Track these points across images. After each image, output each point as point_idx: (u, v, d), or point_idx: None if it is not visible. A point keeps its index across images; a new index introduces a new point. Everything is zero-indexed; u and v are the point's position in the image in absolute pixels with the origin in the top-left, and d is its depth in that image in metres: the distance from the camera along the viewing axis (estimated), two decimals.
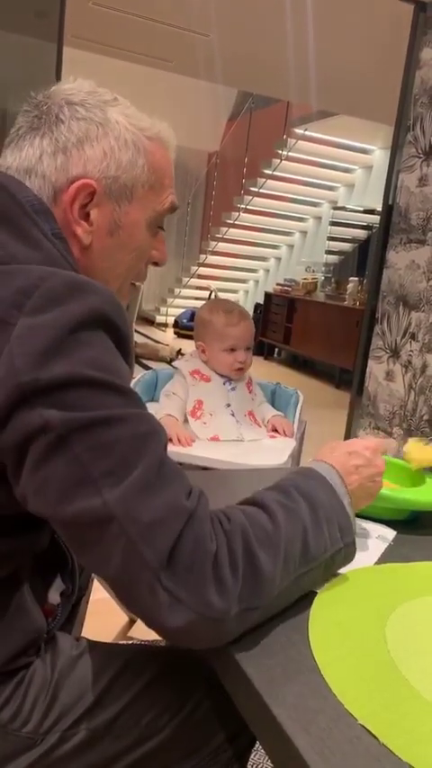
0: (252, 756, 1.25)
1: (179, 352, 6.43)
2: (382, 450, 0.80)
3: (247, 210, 8.68)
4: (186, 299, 9.44)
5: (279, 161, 7.99)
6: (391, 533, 0.92)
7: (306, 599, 0.70)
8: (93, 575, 1.29)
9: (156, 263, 0.82)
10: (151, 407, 1.87)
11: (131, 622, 1.93)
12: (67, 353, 0.56)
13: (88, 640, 0.84)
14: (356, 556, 0.81)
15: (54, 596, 0.83)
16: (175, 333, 8.57)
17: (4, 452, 0.57)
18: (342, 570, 0.77)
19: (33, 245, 0.64)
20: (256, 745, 0.89)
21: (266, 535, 0.60)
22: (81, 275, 0.63)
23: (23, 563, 0.73)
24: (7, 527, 0.67)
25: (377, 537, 0.91)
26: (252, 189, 8.49)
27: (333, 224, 7.99)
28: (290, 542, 0.62)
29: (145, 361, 6.16)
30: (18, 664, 0.72)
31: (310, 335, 6.80)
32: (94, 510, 0.54)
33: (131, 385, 0.63)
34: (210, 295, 8.16)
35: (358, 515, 0.97)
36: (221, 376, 1.85)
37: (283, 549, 0.61)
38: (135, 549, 0.54)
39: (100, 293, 0.60)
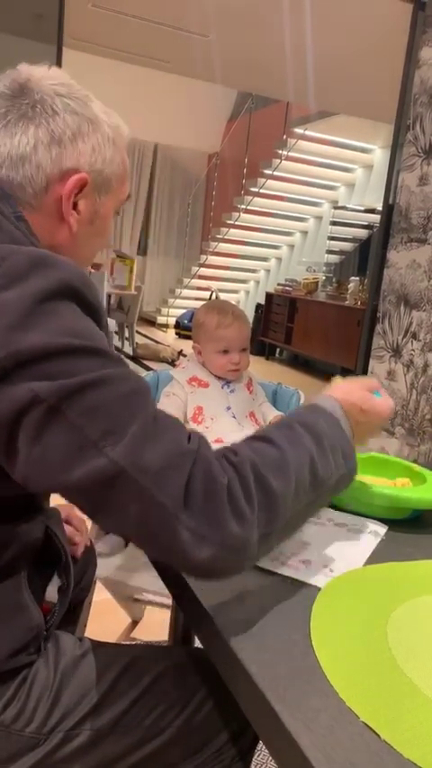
0: (256, 756, 1.25)
1: (180, 353, 6.43)
2: (392, 410, 0.83)
3: (247, 211, 8.68)
4: (187, 300, 9.44)
5: (279, 161, 7.99)
6: (382, 529, 0.93)
7: (308, 596, 0.71)
8: (95, 576, 1.29)
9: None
10: None
11: (134, 623, 1.93)
12: (39, 325, 0.57)
13: (91, 640, 0.84)
14: (350, 552, 0.82)
15: (51, 592, 0.83)
16: (177, 333, 8.57)
17: None
18: (342, 570, 0.77)
19: None
20: (260, 745, 0.89)
21: (275, 462, 0.62)
22: (43, 250, 0.64)
23: (18, 555, 0.73)
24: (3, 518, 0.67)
25: (369, 532, 0.91)
26: (252, 189, 8.49)
27: (333, 223, 7.99)
28: (298, 469, 0.63)
29: (146, 362, 6.16)
30: (19, 662, 0.73)
31: (312, 335, 6.80)
32: (101, 470, 0.54)
33: None
34: (211, 296, 8.16)
35: (353, 512, 0.98)
36: (219, 379, 1.85)
37: (294, 473, 0.62)
38: (150, 496, 0.54)
39: (65, 266, 0.61)
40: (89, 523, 1.30)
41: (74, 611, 1.16)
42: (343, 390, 0.78)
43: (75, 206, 0.74)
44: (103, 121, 0.75)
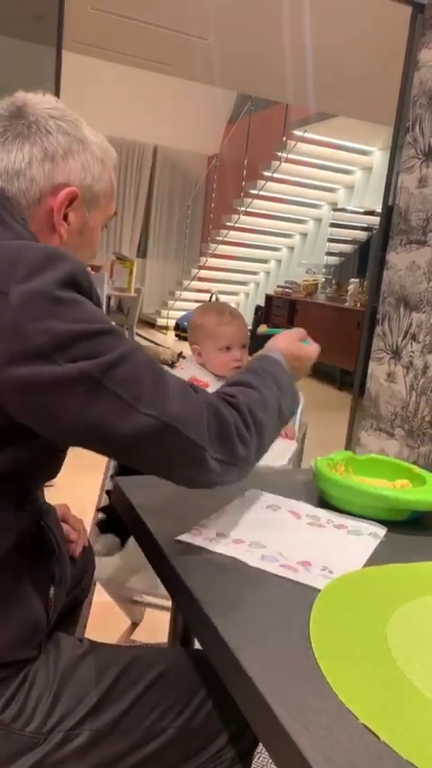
0: (256, 758, 1.25)
1: (180, 355, 6.43)
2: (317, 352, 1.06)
3: (247, 213, 8.68)
4: (187, 302, 9.44)
5: (279, 163, 7.99)
6: (382, 530, 0.93)
7: (308, 598, 0.71)
8: (94, 577, 1.29)
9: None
10: None
11: (134, 625, 1.93)
12: (66, 313, 0.66)
13: (91, 641, 0.84)
14: (349, 553, 0.83)
15: (51, 587, 0.84)
16: (176, 335, 8.58)
17: (28, 409, 0.67)
18: (342, 571, 0.77)
19: (6, 227, 0.73)
20: (260, 747, 0.89)
21: (259, 401, 0.81)
22: (52, 246, 0.74)
23: (13, 546, 0.75)
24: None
25: (369, 534, 0.91)
26: (252, 191, 8.50)
27: (333, 225, 7.99)
28: (272, 404, 0.84)
29: None
30: (20, 655, 0.74)
31: (311, 337, 6.78)
32: (148, 425, 0.68)
33: None
34: (211, 297, 8.16)
35: (353, 514, 0.98)
36: (219, 379, 1.85)
37: (270, 408, 0.83)
38: (188, 439, 0.70)
39: (72, 259, 0.70)
40: (88, 524, 1.30)
41: (73, 611, 1.16)
42: (283, 342, 0.99)
43: (65, 217, 0.81)
44: (92, 142, 0.82)
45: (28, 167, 0.77)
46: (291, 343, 0.99)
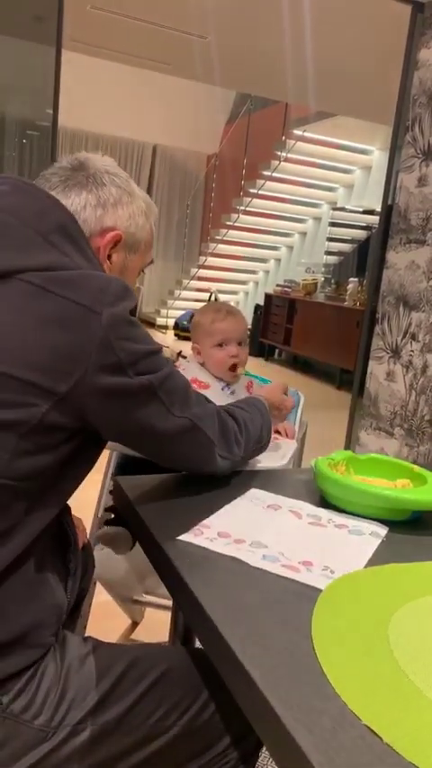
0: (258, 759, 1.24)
1: (180, 354, 6.42)
2: (293, 405, 1.39)
3: (246, 212, 8.68)
4: (186, 301, 9.44)
5: (278, 162, 7.99)
6: (383, 530, 0.93)
7: (309, 598, 0.71)
8: (94, 576, 1.29)
9: None
10: None
11: (134, 625, 1.93)
12: (137, 334, 0.81)
13: (95, 640, 0.85)
14: (350, 553, 0.83)
15: (68, 575, 0.89)
16: (176, 335, 8.57)
17: (102, 411, 0.79)
18: (343, 571, 0.77)
19: (87, 259, 0.85)
20: (262, 748, 0.89)
21: (249, 419, 1.07)
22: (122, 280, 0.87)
23: (41, 536, 0.79)
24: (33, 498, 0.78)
25: (370, 534, 0.91)
26: (251, 190, 8.50)
27: (332, 225, 7.99)
28: (257, 425, 1.09)
29: None
30: (42, 639, 0.77)
31: (311, 336, 6.81)
32: (185, 424, 0.88)
33: None
34: (210, 297, 8.16)
35: (354, 514, 0.98)
36: (219, 381, 1.85)
37: (255, 427, 1.08)
38: (208, 437, 0.93)
39: (134, 292, 0.84)
40: (87, 523, 1.30)
41: (74, 611, 1.16)
42: (268, 392, 1.29)
43: (109, 257, 0.92)
44: (139, 197, 0.95)
45: (83, 210, 0.89)
46: (274, 395, 1.29)
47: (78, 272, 0.80)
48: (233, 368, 1.82)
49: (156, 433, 0.86)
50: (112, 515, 1.66)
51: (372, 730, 0.51)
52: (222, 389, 1.83)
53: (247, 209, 8.64)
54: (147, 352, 0.82)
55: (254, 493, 1.03)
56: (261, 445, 1.11)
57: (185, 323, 8.10)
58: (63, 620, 0.83)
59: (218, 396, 1.82)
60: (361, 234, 7.60)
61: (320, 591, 0.73)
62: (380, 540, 0.89)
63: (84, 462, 0.86)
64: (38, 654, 0.77)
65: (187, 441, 0.90)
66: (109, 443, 0.91)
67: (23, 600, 0.77)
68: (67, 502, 0.95)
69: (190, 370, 1.87)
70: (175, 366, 1.20)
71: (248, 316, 7.78)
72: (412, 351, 2.86)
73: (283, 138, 7.83)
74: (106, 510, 1.68)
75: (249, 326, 6.84)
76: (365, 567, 0.81)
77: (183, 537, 0.84)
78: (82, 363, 0.75)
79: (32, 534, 0.77)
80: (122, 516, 1.61)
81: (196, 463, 0.96)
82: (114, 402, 0.79)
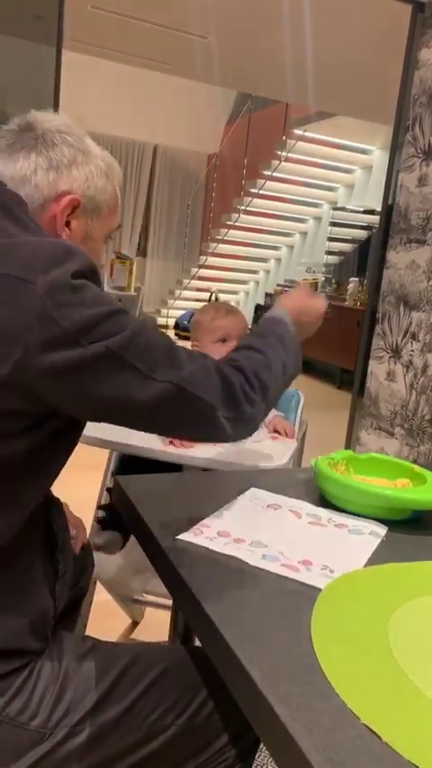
0: (256, 758, 1.24)
1: None
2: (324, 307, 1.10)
3: (246, 212, 8.67)
4: (187, 301, 9.44)
5: (278, 162, 7.99)
6: (382, 530, 0.93)
7: (308, 597, 0.71)
8: (93, 575, 1.29)
9: None
10: None
11: (134, 624, 1.93)
12: (85, 299, 0.71)
13: (93, 639, 0.85)
14: (350, 553, 0.83)
15: (55, 578, 0.86)
16: (176, 334, 8.57)
17: (61, 392, 0.71)
18: (343, 570, 0.77)
19: (23, 227, 0.77)
20: (261, 746, 0.89)
21: (262, 363, 0.88)
22: (66, 241, 0.80)
23: (26, 538, 0.77)
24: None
25: (369, 533, 0.91)
26: (252, 190, 8.49)
27: (333, 224, 7.99)
28: (276, 365, 0.90)
29: None
30: (28, 644, 0.75)
31: (311, 336, 6.79)
32: (163, 391, 0.74)
33: None
34: (210, 296, 8.16)
35: (353, 513, 0.98)
36: None
37: (275, 369, 0.89)
38: (201, 400, 0.77)
39: (83, 253, 0.75)
40: (87, 522, 1.30)
41: (73, 610, 1.16)
42: (289, 300, 1.05)
43: (68, 224, 0.85)
44: (96, 156, 0.87)
45: (33, 174, 0.81)
46: (296, 301, 1.04)
47: (7, 240, 0.73)
48: None
49: (136, 405, 0.74)
50: (105, 515, 1.66)
51: (371, 729, 0.51)
52: None
53: (248, 208, 8.63)
54: (102, 314, 0.71)
55: (254, 492, 1.03)
56: (287, 379, 0.95)
57: (186, 323, 8.10)
58: (51, 624, 0.81)
59: None
60: (361, 234, 7.60)
61: (320, 590, 0.73)
62: (379, 540, 0.89)
63: (63, 449, 0.81)
64: (21, 662, 0.75)
65: (178, 409, 0.77)
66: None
67: (2, 607, 0.75)
68: (66, 501, 0.94)
69: None
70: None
71: (249, 315, 7.78)
72: (412, 350, 2.86)
73: (284, 137, 7.83)
74: (99, 508, 1.68)
75: (250, 327, 6.81)
76: (365, 566, 0.81)
77: (182, 536, 0.84)
78: (20, 342, 0.67)
79: (8, 531, 0.74)
80: (115, 514, 1.61)
81: (197, 432, 0.83)
82: (71, 380, 0.70)
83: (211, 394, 0.78)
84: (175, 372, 0.75)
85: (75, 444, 0.84)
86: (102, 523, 1.65)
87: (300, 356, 0.98)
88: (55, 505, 0.93)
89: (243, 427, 0.84)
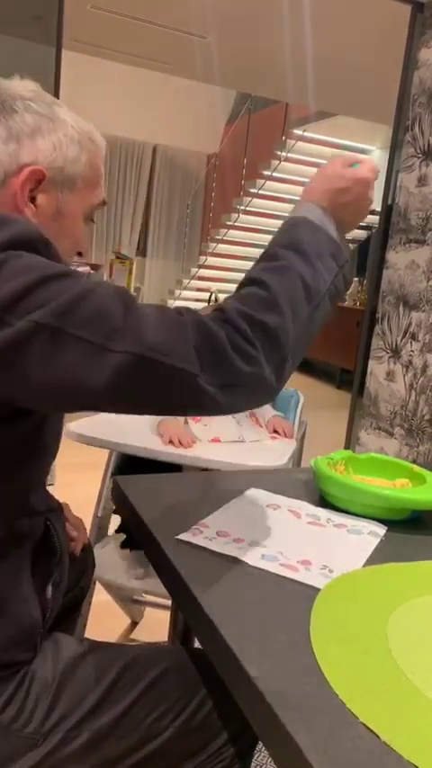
0: (255, 757, 1.25)
1: None
2: (376, 174, 0.82)
3: (246, 212, 8.67)
4: (187, 301, 9.43)
5: (278, 162, 7.98)
6: (381, 529, 0.93)
7: (308, 597, 0.71)
8: (94, 576, 1.29)
9: (80, 254, 0.87)
10: None
11: (134, 625, 1.93)
12: (10, 271, 0.62)
13: (91, 641, 0.84)
14: (349, 553, 0.82)
15: (48, 588, 0.83)
16: None
17: None
18: (342, 570, 0.77)
19: None
20: (260, 746, 0.89)
21: (262, 301, 0.67)
22: (7, 212, 0.70)
23: (19, 547, 0.74)
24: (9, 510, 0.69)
25: (369, 533, 0.91)
26: (251, 190, 8.49)
27: None
28: (289, 293, 0.68)
29: None
30: (14, 657, 0.73)
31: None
32: (123, 364, 0.60)
33: None
34: (210, 296, 8.15)
35: (352, 513, 0.97)
36: None
37: (286, 301, 0.67)
38: (173, 369, 0.61)
39: (22, 222, 0.67)
40: (87, 522, 1.30)
41: (73, 611, 1.16)
42: (318, 181, 0.79)
43: (34, 200, 0.76)
44: (65, 122, 0.77)
45: None
46: (329, 180, 0.78)
47: None
48: None
49: (92, 385, 0.61)
50: (125, 537, 1.66)
51: (370, 729, 0.51)
52: None
53: (248, 208, 8.63)
54: (30, 283, 0.61)
55: (253, 492, 1.03)
56: (322, 300, 0.71)
57: None
58: (40, 633, 0.78)
59: None
60: (361, 233, 7.59)
61: (319, 590, 0.73)
62: (378, 540, 0.90)
63: (31, 453, 0.74)
64: (16, 669, 0.74)
65: (144, 383, 0.62)
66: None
67: None
68: (66, 501, 0.91)
69: None
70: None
71: None
72: (412, 350, 2.86)
73: (284, 137, 7.83)
74: (117, 532, 1.68)
75: None
76: (364, 566, 0.81)
77: (182, 536, 0.84)
78: None
79: None
80: (130, 532, 1.62)
81: (176, 407, 0.66)
82: (6, 366, 0.61)
83: (187, 358, 0.62)
84: (137, 337, 0.61)
85: (47, 449, 0.76)
86: (123, 544, 1.65)
87: (344, 254, 0.74)
88: (55, 513, 0.87)
89: (243, 391, 0.65)
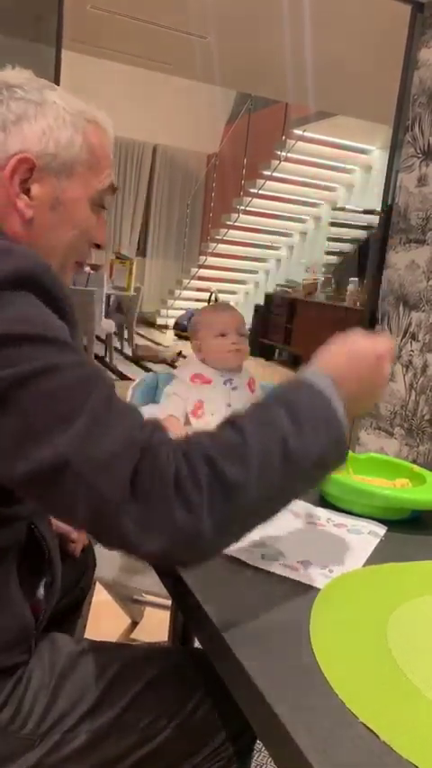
0: (255, 757, 1.25)
1: (180, 354, 6.43)
2: (392, 356, 0.74)
3: (246, 212, 8.68)
4: (187, 301, 9.44)
5: (278, 162, 7.99)
6: (381, 529, 0.93)
7: (307, 597, 0.71)
8: (94, 576, 1.29)
9: (98, 246, 0.83)
10: (152, 408, 1.87)
11: (134, 625, 1.93)
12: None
13: (89, 641, 0.84)
14: (349, 552, 0.82)
15: (39, 590, 0.83)
16: (176, 335, 8.57)
17: None
18: (342, 570, 0.77)
19: None
20: (260, 746, 0.89)
21: (231, 447, 0.59)
22: (3, 241, 0.64)
23: (6, 556, 0.73)
24: None
25: (368, 533, 0.91)
26: (251, 190, 8.49)
27: (332, 224, 7.98)
28: (265, 452, 0.60)
29: (145, 363, 6.16)
30: (8, 660, 0.72)
31: (311, 336, 6.79)
32: (47, 460, 0.54)
33: (130, 387, 0.63)
34: (210, 296, 8.16)
35: (352, 513, 0.97)
36: (222, 375, 1.86)
37: (257, 459, 0.59)
38: (95, 489, 0.54)
39: (23, 255, 0.61)
40: None
41: (73, 611, 1.16)
42: (333, 352, 0.72)
43: (28, 192, 0.72)
44: (56, 105, 0.73)
45: None
46: (341, 352, 0.71)
47: None
48: (236, 352, 1.85)
49: (7, 469, 0.56)
50: None
51: (369, 729, 0.51)
52: (225, 384, 1.84)
53: (248, 208, 8.63)
54: (7, 336, 0.56)
55: None
56: (302, 473, 0.63)
57: (186, 323, 8.10)
58: (34, 635, 0.76)
59: (219, 390, 1.83)
60: (361, 234, 7.59)
61: (319, 590, 0.73)
62: (378, 539, 0.90)
63: None
64: (11, 671, 0.73)
65: (56, 493, 0.55)
66: None
67: None
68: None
69: (191, 366, 1.88)
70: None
71: (249, 316, 7.78)
72: (412, 350, 2.86)
73: (284, 137, 7.83)
74: None
75: (249, 327, 6.84)
76: (364, 566, 0.81)
77: None
78: None
79: None
80: None
81: (87, 529, 0.59)
82: None
83: (114, 481, 0.54)
84: (78, 439, 0.54)
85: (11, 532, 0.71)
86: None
87: (342, 427, 0.64)
88: (39, 515, 0.81)
89: (166, 538, 0.55)
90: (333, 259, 7.94)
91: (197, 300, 9.11)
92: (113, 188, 0.80)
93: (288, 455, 0.61)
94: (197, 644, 0.88)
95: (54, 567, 0.84)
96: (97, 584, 1.58)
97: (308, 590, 0.73)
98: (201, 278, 9.55)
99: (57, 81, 2.69)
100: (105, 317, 5.92)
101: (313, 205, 8.59)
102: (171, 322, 9.10)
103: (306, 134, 7.55)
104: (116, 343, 6.40)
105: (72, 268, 0.82)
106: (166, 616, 1.25)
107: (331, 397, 0.65)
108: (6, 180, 0.70)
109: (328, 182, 8.26)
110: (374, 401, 0.75)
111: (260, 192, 8.41)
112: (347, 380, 0.68)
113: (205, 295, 8.65)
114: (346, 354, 0.71)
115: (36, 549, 0.81)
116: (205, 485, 0.56)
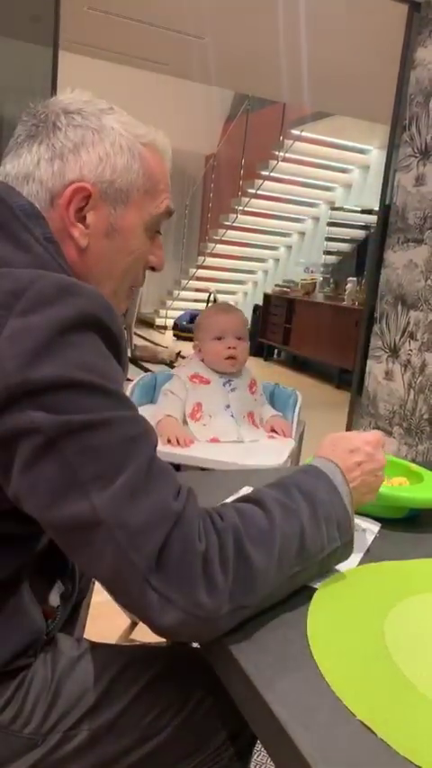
0: (255, 757, 1.25)
1: (179, 354, 6.43)
2: (382, 444, 0.81)
3: (244, 212, 8.69)
4: (185, 302, 9.45)
5: (276, 162, 8.00)
6: (375, 526, 0.93)
7: (304, 596, 0.71)
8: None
9: (153, 268, 0.84)
10: (149, 408, 1.88)
11: (133, 625, 1.93)
12: (57, 355, 0.56)
13: (89, 641, 0.84)
14: None
15: (54, 598, 0.83)
16: (175, 335, 8.57)
17: None
18: (338, 567, 0.77)
19: (24, 249, 0.65)
20: (259, 745, 0.89)
21: (261, 533, 0.61)
22: (71, 278, 0.63)
23: (24, 564, 0.73)
24: (7, 528, 0.67)
25: (363, 530, 0.91)
26: (249, 191, 8.50)
27: (331, 224, 8.00)
28: (286, 541, 0.63)
29: (144, 364, 6.16)
30: (17, 665, 0.73)
31: (310, 336, 6.81)
32: (82, 514, 0.55)
33: (129, 387, 0.64)
34: (209, 297, 8.16)
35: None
36: (220, 376, 1.86)
37: (278, 547, 0.62)
38: (124, 553, 0.55)
39: (90, 295, 0.61)
40: None
41: (73, 613, 1.16)
42: (331, 443, 0.78)
43: (84, 220, 0.71)
44: (114, 131, 0.72)
45: (36, 168, 0.70)
46: (355, 453, 0.76)
47: None
48: (230, 359, 1.85)
49: (44, 511, 0.57)
50: None
51: (367, 726, 0.51)
52: (224, 385, 1.84)
53: (246, 209, 8.64)
54: (63, 380, 0.55)
55: (248, 490, 1.03)
56: (312, 565, 0.67)
57: (185, 323, 8.10)
58: (43, 640, 0.76)
59: (218, 391, 1.83)
60: (359, 233, 7.60)
61: (316, 589, 0.73)
62: (373, 537, 0.90)
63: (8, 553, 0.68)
64: (16, 672, 0.73)
65: (84, 544, 0.56)
66: None
67: None
68: None
69: (191, 366, 1.89)
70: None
71: (248, 316, 7.78)
72: (410, 350, 2.86)
73: (281, 137, 7.84)
74: None
75: (248, 326, 6.82)
76: (360, 564, 0.81)
77: None
78: None
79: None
80: None
81: (109, 589, 0.59)
82: None
83: (145, 550, 0.54)
84: (116, 500, 0.54)
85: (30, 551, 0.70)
86: None
87: (351, 529, 0.70)
88: None
89: (187, 620, 0.56)
90: (331, 259, 7.94)
91: (196, 301, 9.12)
92: (170, 212, 0.79)
93: (303, 548, 0.65)
94: (195, 644, 0.88)
95: (74, 578, 0.85)
96: (97, 584, 1.58)
97: (304, 589, 0.73)
98: (199, 278, 9.56)
99: (54, 82, 2.70)
100: None
101: (311, 205, 8.60)
102: (170, 322, 9.11)
103: (304, 134, 7.56)
104: None
105: (127, 293, 0.81)
106: None
107: (344, 497, 0.70)
108: (63, 209, 0.70)
109: (326, 182, 8.27)
110: (370, 498, 0.80)
111: (258, 192, 8.42)
112: (352, 472, 0.75)
113: (204, 295, 8.66)
114: (343, 449, 0.77)
115: (51, 553, 0.80)
116: (232, 569, 0.58)
